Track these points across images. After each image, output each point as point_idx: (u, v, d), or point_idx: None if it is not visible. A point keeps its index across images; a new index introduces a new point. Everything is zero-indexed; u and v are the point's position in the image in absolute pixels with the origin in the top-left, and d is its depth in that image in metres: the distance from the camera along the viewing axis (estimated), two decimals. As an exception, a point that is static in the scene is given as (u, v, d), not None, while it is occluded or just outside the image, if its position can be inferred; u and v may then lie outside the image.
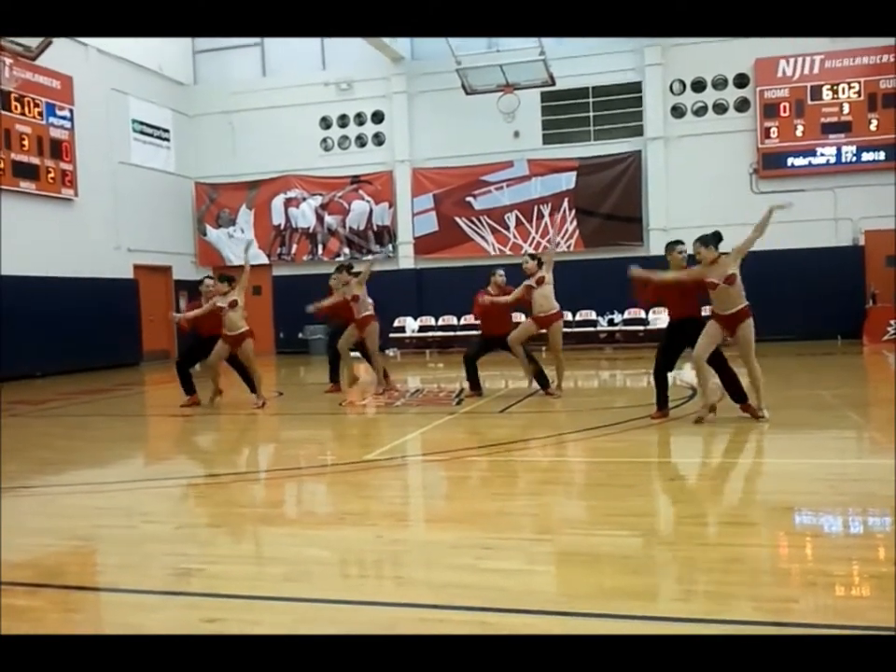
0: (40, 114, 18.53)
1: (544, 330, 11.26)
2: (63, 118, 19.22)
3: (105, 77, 20.69)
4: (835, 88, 20.24)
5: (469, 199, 22.60)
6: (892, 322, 18.93)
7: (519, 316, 12.42)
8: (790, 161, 20.61)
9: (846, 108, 20.22)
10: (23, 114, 18.08)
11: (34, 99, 18.33)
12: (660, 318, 20.70)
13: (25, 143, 18.08)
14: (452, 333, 22.26)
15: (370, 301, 12.42)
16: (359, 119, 23.59)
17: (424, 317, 22.81)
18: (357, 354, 13.03)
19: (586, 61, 21.25)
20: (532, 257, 11.41)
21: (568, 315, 21.30)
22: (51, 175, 18.80)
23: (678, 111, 21.55)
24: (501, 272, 11.54)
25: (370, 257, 20.80)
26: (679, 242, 9.01)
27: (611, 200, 21.67)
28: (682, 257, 8.91)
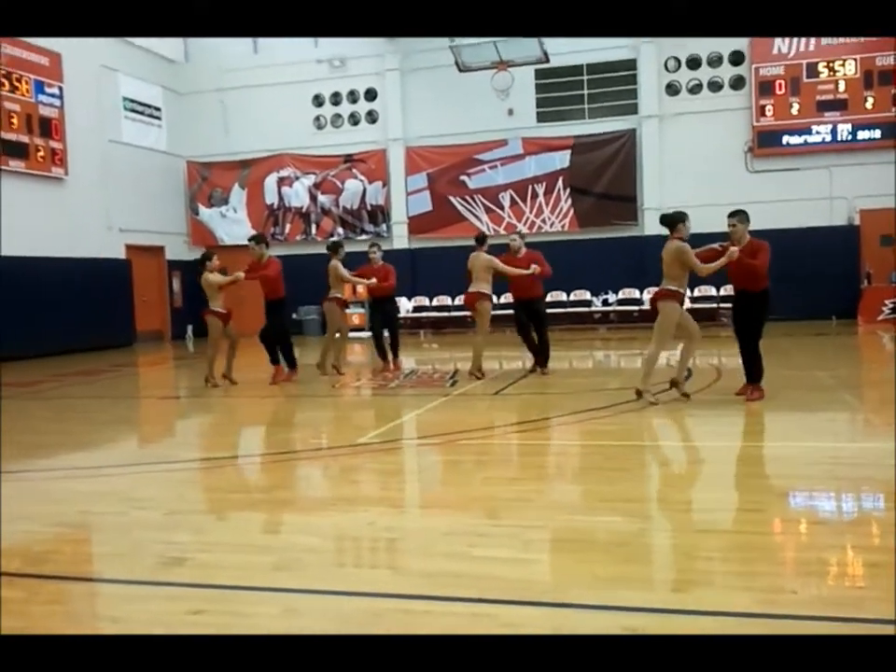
0: (29, 91, 18.30)
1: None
2: (53, 95, 18.98)
3: (95, 53, 20.36)
4: (831, 65, 20.07)
5: (464, 178, 22.44)
6: (887, 302, 18.88)
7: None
8: (785, 139, 20.48)
9: (841, 86, 20.07)
10: (12, 91, 17.85)
11: (22, 76, 18.09)
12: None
13: (14, 121, 17.86)
14: (446, 314, 22.18)
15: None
16: (352, 96, 23.37)
17: (418, 297, 22.70)
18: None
19: (581, 38, 21.05)
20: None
21: (562, 296, 21.27)
22: (41, 153, 18.59)
23: (672, 89, 21.39)
24: (514, 236, 11.98)
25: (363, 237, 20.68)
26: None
27: (606, 179, 21.54)
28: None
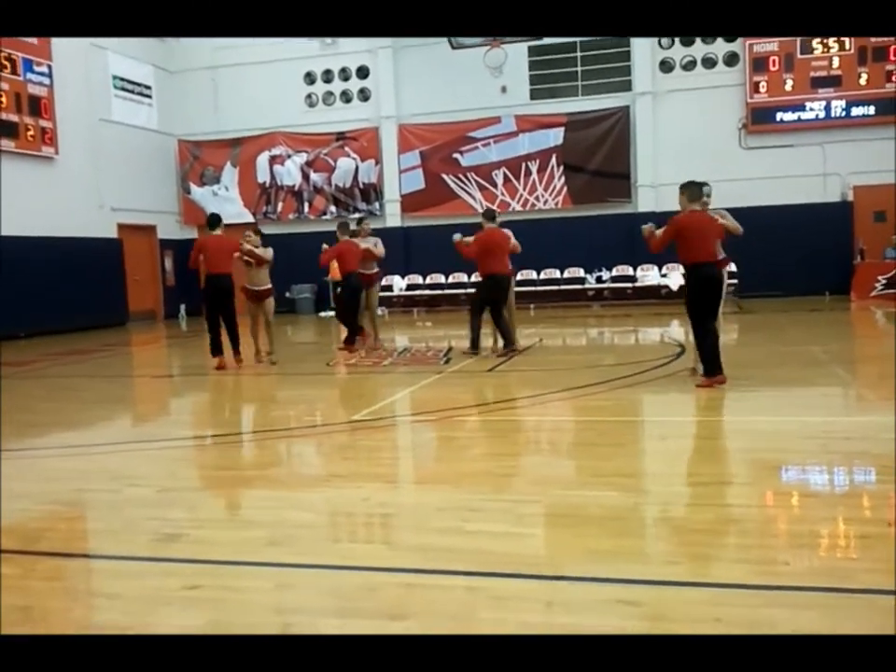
0: (18, 70, 18.13)
1: None
2: (42, 73, 18.80)
3: (84, 31, 20.20)
4: (825, 41, 19.98)
5: (457, 155, 22.34)
6: (880, 278, 18.88)
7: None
8: (779, 115, 20.41)
9: (835, 62, 19.99)
10: (0, 69, 17.67)
11: (10, 54, 17.91)
12: (648, 275, 20.67)
13: (3, 100, 17.70)
14: (440, 292, 22.15)
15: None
16: (344, 74, 23.22)
17: (411, 276, 22.66)
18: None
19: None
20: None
21: (556, 273, 21.25)
22: (31, 132, 18.44)
23: (666, 65, 21.29)
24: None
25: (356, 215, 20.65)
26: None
27: (599, 156, 21.46)
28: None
